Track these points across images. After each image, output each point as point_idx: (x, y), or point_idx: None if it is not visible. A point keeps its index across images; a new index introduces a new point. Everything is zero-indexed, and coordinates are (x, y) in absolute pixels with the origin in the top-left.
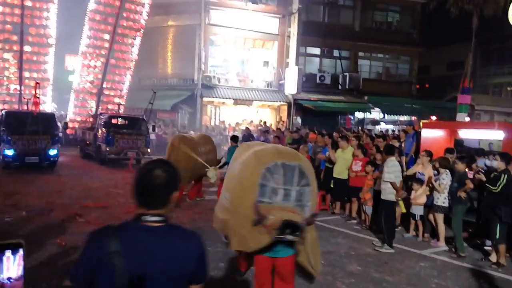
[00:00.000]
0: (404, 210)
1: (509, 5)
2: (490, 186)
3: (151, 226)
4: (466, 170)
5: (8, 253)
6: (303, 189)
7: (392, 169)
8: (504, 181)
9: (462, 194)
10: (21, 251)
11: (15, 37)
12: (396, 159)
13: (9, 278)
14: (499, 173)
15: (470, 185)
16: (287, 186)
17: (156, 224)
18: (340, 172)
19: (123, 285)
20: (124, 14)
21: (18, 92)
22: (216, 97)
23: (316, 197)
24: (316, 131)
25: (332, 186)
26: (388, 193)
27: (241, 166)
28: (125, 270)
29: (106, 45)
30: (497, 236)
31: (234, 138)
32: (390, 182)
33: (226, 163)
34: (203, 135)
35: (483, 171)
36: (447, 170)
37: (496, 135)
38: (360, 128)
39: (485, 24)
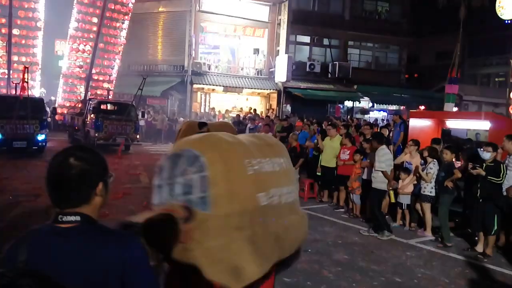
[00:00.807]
0: (393, 200)
1: None
2: (494, 179)
3: (65, 228)
4: (454, 159)
5: None
6: (192, 178)
7: (384, 158)
8: (504, 171)
9: (449, 184)
10: None
11: (3, 20)
12: None
13: None
14: (495, 164)
15: (458, 174)
16: (170, 179)
17: (72, 225)
18: (328, 160)
19: None
20: None
21: (6, 76)
22: (206, 84)
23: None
24: (305, 120)
25: (319, 174)
26: (380, 182)
27: None
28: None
29: (95, 28)
30: (495, 226)
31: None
32: (382, 171)
33: None
34: (223, 122)
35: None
36: (435, 160)
37: (483, 125)
38: (349, 117)
39: (473, 14)
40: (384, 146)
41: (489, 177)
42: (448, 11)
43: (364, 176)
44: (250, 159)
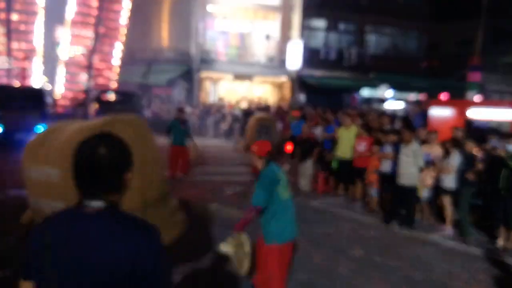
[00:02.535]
0: (421, 194)
1: None
2: None
3: (89, 214)
4: (476, 150)
5: None
6: None
7: (421, 154)
8: None
9: (470, 176)
10: None
11: (1, 5)
12: None
13: None
14: None
15: (479, 166)
16: None
17: (96, 210)
18: (343, 151)
19: (54, 281)
20: None
21: (7, 65)
22: (215, 72)
23: None
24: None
25: (334, 166)
26: (413, 178)
27: None
28: (54, 267)
29: (94, 12)
30: None
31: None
32: (420, 168)
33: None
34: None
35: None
36: (458, 151)
37: (508, 115)
38: (366, 106)
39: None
40: (415, 141)
41: (508, 161)
42: None
43: (383, 169)
44: None
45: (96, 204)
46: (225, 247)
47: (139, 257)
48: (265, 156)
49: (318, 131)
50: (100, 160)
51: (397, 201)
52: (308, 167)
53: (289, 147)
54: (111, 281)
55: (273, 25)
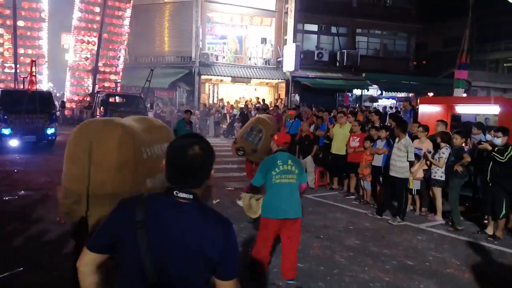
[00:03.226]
0: (412, 186)
1: None
2: (497, 155)
3: (180, 202)
4: (463, 144)
5: None
6: None
7: (412, 149)
8: (511, 153)
9: (459, 168)
10: None
11: (7, 11)
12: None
13: None
14: (504, 146)
15: (467, 158)
16: None
17: (185, 201)
18: (338, 148)
19: (146, 259)
20: None
21: (14, 70)
22: (214, 75)
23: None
24: (313, 109)
25: (330, 161)
26: (406, 171)
27: None
28: (147, 242)
29: (98, 18)
30: (504, 210)
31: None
32: (410, 162)
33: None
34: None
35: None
36: (448, 145)
37: (492, 109)
38: (358, 105)
39: None
40: (407, 136)
41: (493, 153)
42: None
43: (375, 163)
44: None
45: (186, 195)
46: (240, 202)
47: (219, 244)
48: (281, 145)
49: (311, 129)
50: (195, 158)
51: (390, 193)
52: (309, 163)
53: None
54: (194, 261)
55: (269, 29)
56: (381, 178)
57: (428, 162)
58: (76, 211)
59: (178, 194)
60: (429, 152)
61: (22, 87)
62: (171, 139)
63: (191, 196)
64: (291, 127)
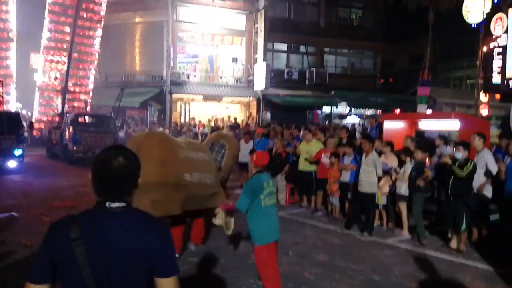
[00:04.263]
0: (380, 201)
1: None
2: (457, 170)
3: (114, 212)
4: (427, 159)
5: None
6: None
7: (380, 164)
8: (471, 167)
9: (421, 182)
10: None
11: None
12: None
13: None
14: (465, 160)
15: (428, 173)
16: None
17: (119, 210)
18: (304, 165)
19: (86, 274)
20: (83, 6)
21: None
22: (185, 94)
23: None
24: (284, 126)
25: (298, 178)
26: (374, 187)
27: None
28: (87, 258)
29: (68, 38)
30: (464, 224)
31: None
32: (379, 177)
33: None
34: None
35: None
36: (412, 160)
37: (453, 125)
38: (327, 122)
39: (442, 18)
40: (375, 151)
41: (453, 168)
42: (418, 16)
43: (343, 179)
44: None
45: (119, 204)
46: (216, 220)
47: (156, 244)
48: (259, 167)
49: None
50: (120, 169)
51: (358, 208)
52: (280, 181)
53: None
54: (134, 265)
55: (239, 48)
56: (349, 194)
57: (393, 177)
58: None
59: (111, 205)
60: (394, 170)
61: None
62: (203, 150)
63: (123, 204)
64: (258, 145)
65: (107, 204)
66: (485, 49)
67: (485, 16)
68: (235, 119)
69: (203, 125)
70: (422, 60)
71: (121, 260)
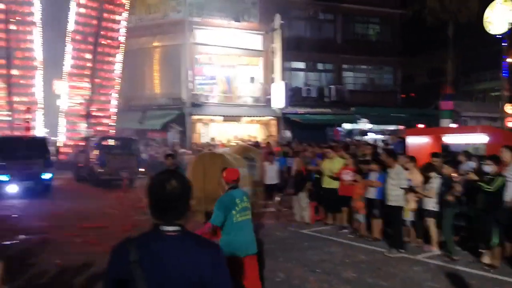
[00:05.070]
0: (408, 216)
1: (484, 13)
2: (485, 185)
3: (168, 235)
4: (454, 174)
5: None
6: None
7: (404, 176)
8: (500, 182)
9: (450, 198)
10: None
11: (2, 61)
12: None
13: None
14: (493, 175)
15: (457, 188)
16: None
17: (173, 234)
18: (328, 182)
19: None
20: (103, 33)
21: (9, 118)
22: (205, 115)
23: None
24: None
25: (322, 196)
26: (399, 200)
27: None
28: (145, 280)
29: (89, 64)
30: (496, 240)
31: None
32: (405, 188)
33: None
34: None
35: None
36: (437, 175)
37: (480, 139)
38: (349, 139)
39: (464, 30)
40: (399, 165)
41: (480, 183)
42: (437, 29)
43: (369, 195)
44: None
45: (172, 228)
46: None
47: (210, 268)
48: (230, 183)
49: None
50: (173, 192)
51: (401, 228)
52: (302, 199)
53: None
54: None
55: (256, 68)
56: (375, 211)
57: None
58: (198, 209)
59: (165, 228)
60: (416, 187)
61: (18, 134)
62: (244, 165)
63: (177, 228)
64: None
65: (161, 227)
66: (510, 60)
67: (510, 26)
68: (255, 138)
69: (224, 145)
70: (442, 73)
71: (176, 282)
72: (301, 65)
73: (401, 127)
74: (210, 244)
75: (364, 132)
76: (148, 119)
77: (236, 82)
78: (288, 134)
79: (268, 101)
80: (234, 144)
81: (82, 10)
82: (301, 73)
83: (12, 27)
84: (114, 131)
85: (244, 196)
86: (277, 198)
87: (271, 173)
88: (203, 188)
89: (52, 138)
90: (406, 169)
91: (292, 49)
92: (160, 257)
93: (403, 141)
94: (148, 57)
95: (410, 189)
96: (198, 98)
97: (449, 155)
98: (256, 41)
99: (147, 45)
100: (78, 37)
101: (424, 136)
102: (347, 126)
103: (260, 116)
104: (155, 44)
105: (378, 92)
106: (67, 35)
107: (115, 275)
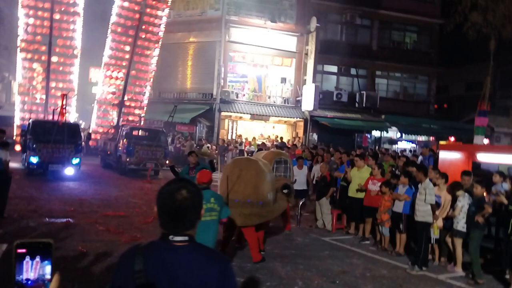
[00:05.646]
0: (436, 233)
1: None
2: None
3: (177, 246)
4: (485, 194)
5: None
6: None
7: (433, 191)
8: None
9: (480, 219)
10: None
11: (43, 48)
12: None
13: (27, 279)
14: None
15: (488, 209)
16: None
17: (182, 244)
18: (355, 191)
19: None
20: (143, 27)
21: (44, 102)
22: (234, 112)
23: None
24: (331, 149)
25: (347, 204)
26: (427, 215)
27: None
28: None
29: (127, 56)
30: None
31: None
32: (431, 204)
33: None
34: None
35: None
36: (465, 193)
37: None
38: (377, 147)
39: (504, 44)
40: (428, 180)
41: (511, 208)
42: (477, 42)
43: (396, 209)
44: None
45: (181, 238)
46: None
47: (218, 281)
48: (201, 184)
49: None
50: (184, 202)
51: (427, 245)
52: (324, 205)
53: None
54: None
55: (289, 69)
56: (401, 225)
57: (448, 211)
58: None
59: (174, 238)
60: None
61: (51, 118)
62: (271, 171)
63: (186, 238)
64: None
65: (170, 237)
66: None
67: None
68: (281, 138)
69: (249, 143)
70: (479, 86)
71: None
72: (333, 68)
73: (432, 138)
74: (219, 256)
75: (393, 141)
76: (177, 112)
77: (267, 82)
78: (315, 137)
79: (298, 102)
80: (260, 142)
81: (126, 4)
82: (333, 77)
83: (56, 16)
84: (143, 122)
85: (212, 197)
86: (300, 202)
87: (301, 179)
88: (237, 191)
89: (82, 123)
90: (436, 184)
91: (326, 52)
92: (167, 268)
93: (433, 154)
94: (182, 52)
95: (437, 206)
96: (228, 95)
97: (480, 173)
98: (290, 42)
99: (182, 40)
100: (119, 29)
101: (456, 151)
102: (376, 133)
103: (288, 117)
104: (191, 39)
105: (410, 101)
106: (108, 26)
107: (120, 283)
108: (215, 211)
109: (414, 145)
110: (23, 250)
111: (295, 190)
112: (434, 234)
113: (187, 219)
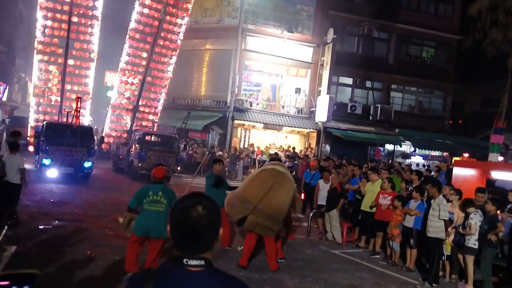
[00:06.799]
0: (449, 250)
1: None
2: None
3: (191, 271)
4: (498, 212)
5: None
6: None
7: (447, 208)
8: None
9: (493, 237)
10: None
11: (60, 51)
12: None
13: None
14: None
15: (501, 228)
16: None
17: (197, 269)
18: (368, 205)
19: None
20: (162, 34)
21: (59, 104)
22: (247, 120)
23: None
24: (344, 161)
25: (359, 218)
26: (440, 231)
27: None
28: None
29: (144, 63)
30: None
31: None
32: (444, 220)
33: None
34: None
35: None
36: (478, 210)
37: None
38: (390, 161)
39: None
40: (441, 196)
41: None
42: (495, 59)
43: (407, 224)
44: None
45: (197, 262)
46: (121, 219)
47: None
48: (155, 178)
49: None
50: (200, 220)
51: (439, 261)
52: (334, 217)
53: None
54: None
55: (303, 80)
56: (411, 240)
57: (460, 229)
58: (241, 213)
59: (189, 262)
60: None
61: (65, 120)
62: (294, 187)
63: (202, 262)
64: (312, 178)
65: (184, 260)
66: None
67: None
68: (293, 148)
69: (261, 152)
70: (495, 103)
71: None
72: (349, 80)
73: (446, 154)
74: (238, 283)
75: (406, 155)
76: (191, 119)
77: (281, 92)
78: (327, 148)
79: (311, 113)
80: (273, 152)
81: (146, 10)
82: (348, 89)
83: (74, 19)
84: (156, 127)
85: (160, 191)
86: (310, 214)
87: (324, 193)
88: (263, 201)
89: (95, 127)
90: (449, 200)
91: (341, 64)
92: None
93: (448, 170)
94: (198, 59)
95: (450, 222)
96: (242, 103)
97: (494, 191)
98: (306, 52)
99: (199, 47)
100: (137, 35)
101: (471, 168)
102: (389, 147)
103: (301, 128)
104: (207, 47)
105: (425, 116)
106: (126, 32)
107: None
108: (161, 203)
109: (423, 160)
110: (6, 282)
111: (318, 205)
112: (447, 250)
113: (203, 240)
